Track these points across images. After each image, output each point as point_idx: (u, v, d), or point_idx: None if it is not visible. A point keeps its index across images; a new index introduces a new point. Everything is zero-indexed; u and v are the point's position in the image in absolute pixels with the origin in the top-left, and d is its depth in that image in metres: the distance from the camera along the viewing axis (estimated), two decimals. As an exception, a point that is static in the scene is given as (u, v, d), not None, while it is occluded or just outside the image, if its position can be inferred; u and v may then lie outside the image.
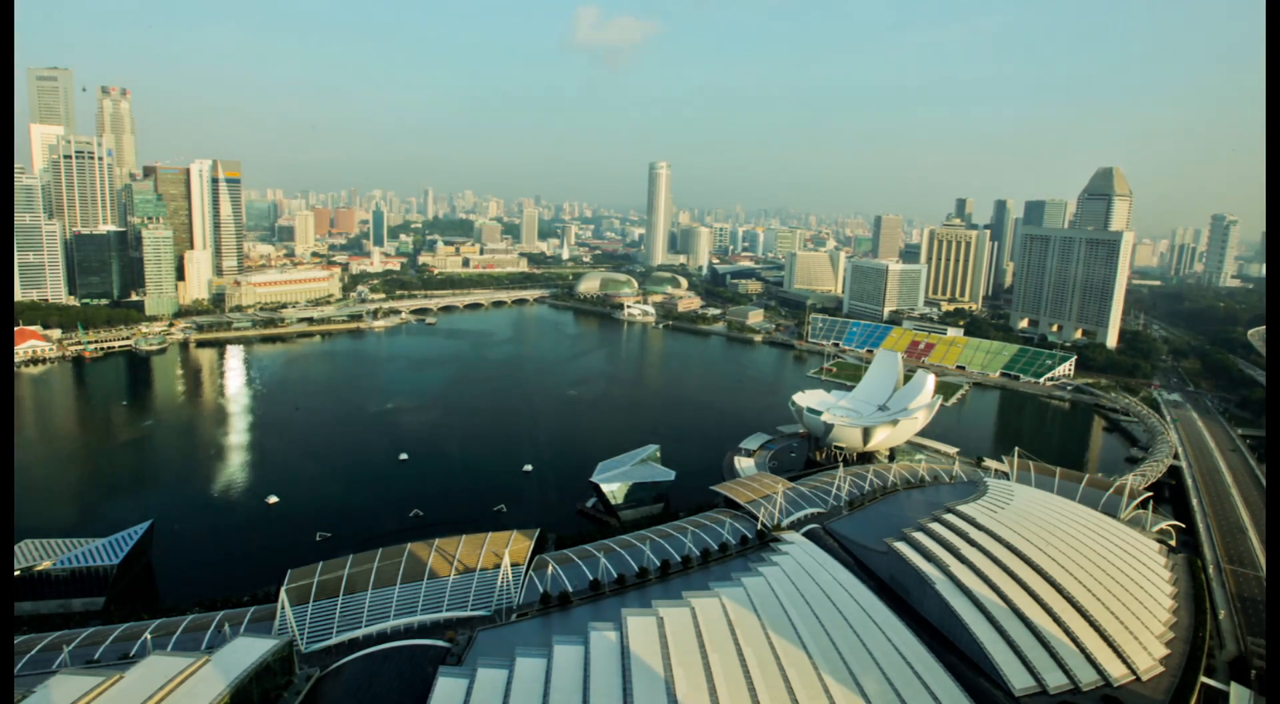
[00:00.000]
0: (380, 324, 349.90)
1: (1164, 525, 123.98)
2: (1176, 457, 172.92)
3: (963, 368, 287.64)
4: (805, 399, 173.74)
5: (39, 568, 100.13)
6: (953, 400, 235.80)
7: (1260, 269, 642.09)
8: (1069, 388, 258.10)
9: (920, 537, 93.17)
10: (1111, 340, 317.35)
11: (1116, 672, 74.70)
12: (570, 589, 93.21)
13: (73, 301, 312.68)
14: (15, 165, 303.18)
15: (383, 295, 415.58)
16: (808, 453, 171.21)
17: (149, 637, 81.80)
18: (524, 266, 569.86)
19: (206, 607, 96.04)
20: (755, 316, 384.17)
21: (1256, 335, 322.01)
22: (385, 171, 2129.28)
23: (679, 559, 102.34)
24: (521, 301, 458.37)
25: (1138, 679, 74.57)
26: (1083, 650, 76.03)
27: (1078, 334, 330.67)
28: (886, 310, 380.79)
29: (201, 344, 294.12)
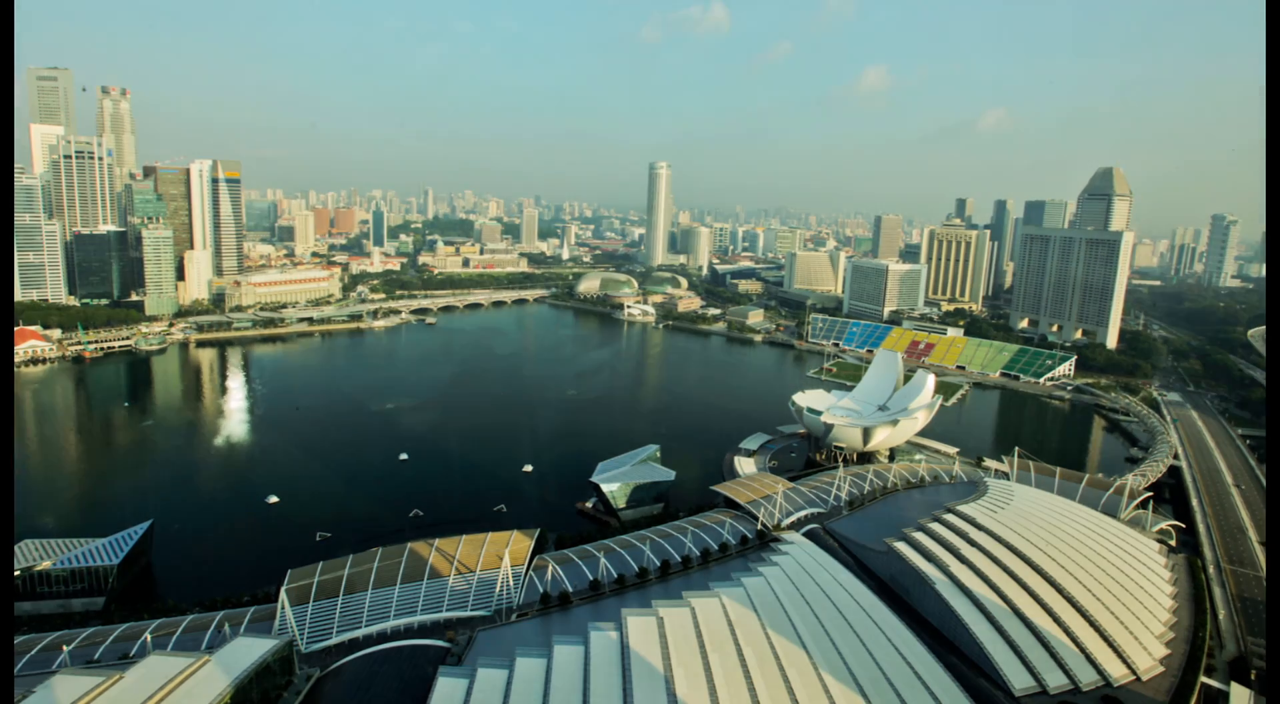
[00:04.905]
0: (380, 324, 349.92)
1: (1164, 525, 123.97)
2: (1176, 457, 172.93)
3: (963, 368, 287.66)
4: (805, 399, 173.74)
5: (39, 568, 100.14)
6: (953, 400, 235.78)
7: (1260, 269, 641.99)
8: (1069, 388, 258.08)
9: (920, 537, 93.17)
10: (1111, 340, 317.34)
11: (1116, 672, 74.70)
12: (570, 589, 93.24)
13: (73, 302, 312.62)
14: (15, 165, 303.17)
15: (383, 295, 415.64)
16: (808, 453, 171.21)
17: (149, 637, 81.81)
18: (524, 266, 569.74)
19: (206, 607, 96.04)
20: (755, 316, 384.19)
21: (1256, 335, 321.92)
22: (385, 171, 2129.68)
23: (679, 559, 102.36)
24: (522, 301, 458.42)
25: (1138, 679, 74.57)
26: (1083, 650, 76.02)
27: (1078, 334, 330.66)
28: (886, 310, 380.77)
29: (201, 344, 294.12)
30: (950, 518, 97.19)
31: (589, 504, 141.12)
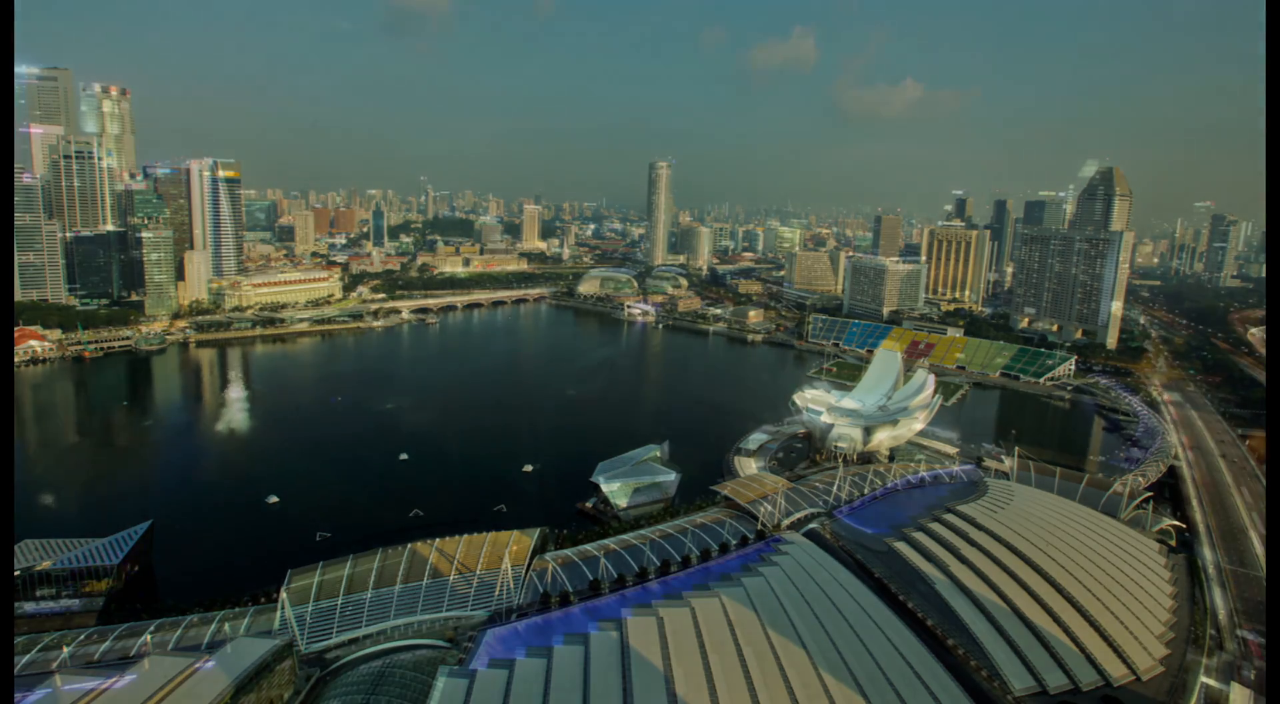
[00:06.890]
0: (380, 324, 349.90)
1: (1164, 525, 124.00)
2: (1176, 457, 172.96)
3: (963, 368, 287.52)
4: (805, 398, 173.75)
5: (39, 568, 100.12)
6: (953, 400, 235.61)
7: (1260, 269, 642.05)
8: (1069, 388, 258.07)
9: (920, 537, 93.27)
10: (1111, 340, 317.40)
11: (1116, 672, 74.74)
12: (570, 589, 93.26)
13: (72, 302, 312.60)
14: (15, 165, 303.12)
15: (383, 295, 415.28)
16: (808, 453, 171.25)
17: (149, 637, 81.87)
18: (524, 266, 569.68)
19: (206, 607, 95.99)
20: (755, 316, 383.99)
21: (1256, 335, 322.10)
22: (385, 171, 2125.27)
23: (679, 559, 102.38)
24: (522, 301, 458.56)
25: (1138, 679, 74.62)
26: (1083, 650, 76.07)
27: (1078, 334, 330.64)
28: (886, 310, 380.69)
29: (201, 344, 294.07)
30: (950, 518, 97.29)
31: (589, 504, 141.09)
